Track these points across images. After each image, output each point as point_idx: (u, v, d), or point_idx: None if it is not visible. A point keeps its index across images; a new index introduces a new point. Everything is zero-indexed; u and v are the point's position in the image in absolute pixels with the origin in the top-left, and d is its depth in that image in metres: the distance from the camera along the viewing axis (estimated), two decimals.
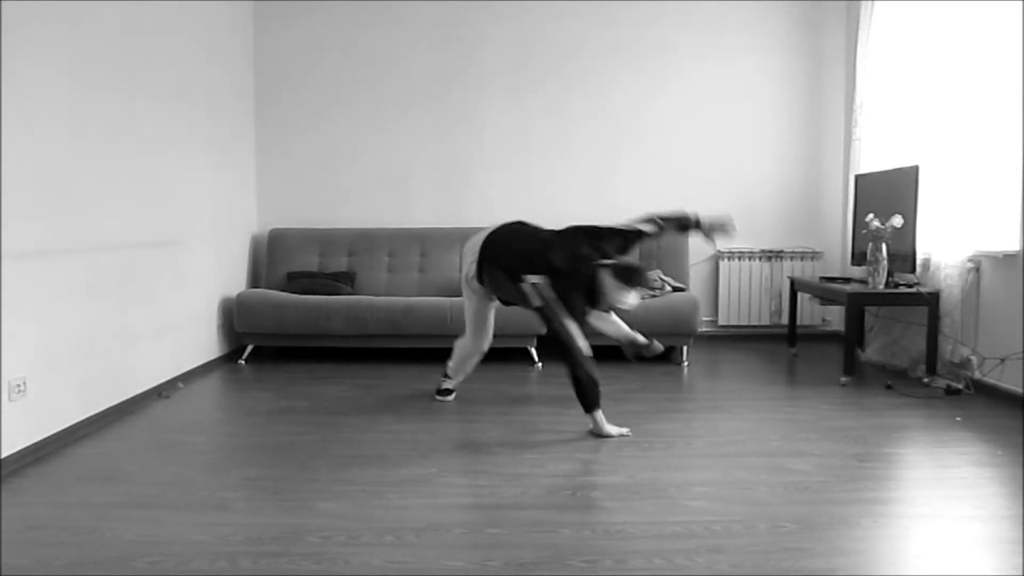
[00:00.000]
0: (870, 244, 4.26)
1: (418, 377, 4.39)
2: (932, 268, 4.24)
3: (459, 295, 5.00)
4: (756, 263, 5.49)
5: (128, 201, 3.69)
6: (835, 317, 5.49)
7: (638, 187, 5.56)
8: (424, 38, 5.50)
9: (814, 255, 5.50)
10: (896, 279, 4.35)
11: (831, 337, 5.47)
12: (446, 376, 3.88)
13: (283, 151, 5.54)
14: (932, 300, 4.08)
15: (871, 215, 4.32)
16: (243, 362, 4.81)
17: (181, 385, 4.15)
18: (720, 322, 5.54)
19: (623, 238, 3.43)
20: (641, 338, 3.84)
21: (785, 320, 5.35)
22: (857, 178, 4.86)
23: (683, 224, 3.54)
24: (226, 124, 4.98)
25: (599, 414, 3.21)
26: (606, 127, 5.53)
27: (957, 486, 2.63)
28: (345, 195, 5.58)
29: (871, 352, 4.77)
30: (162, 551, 2.12)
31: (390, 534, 2.23)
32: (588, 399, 3.19)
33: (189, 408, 3.74)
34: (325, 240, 5.33)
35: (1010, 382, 3.74)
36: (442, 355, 4.96)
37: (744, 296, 5.51)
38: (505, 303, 3.57)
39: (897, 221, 4.12)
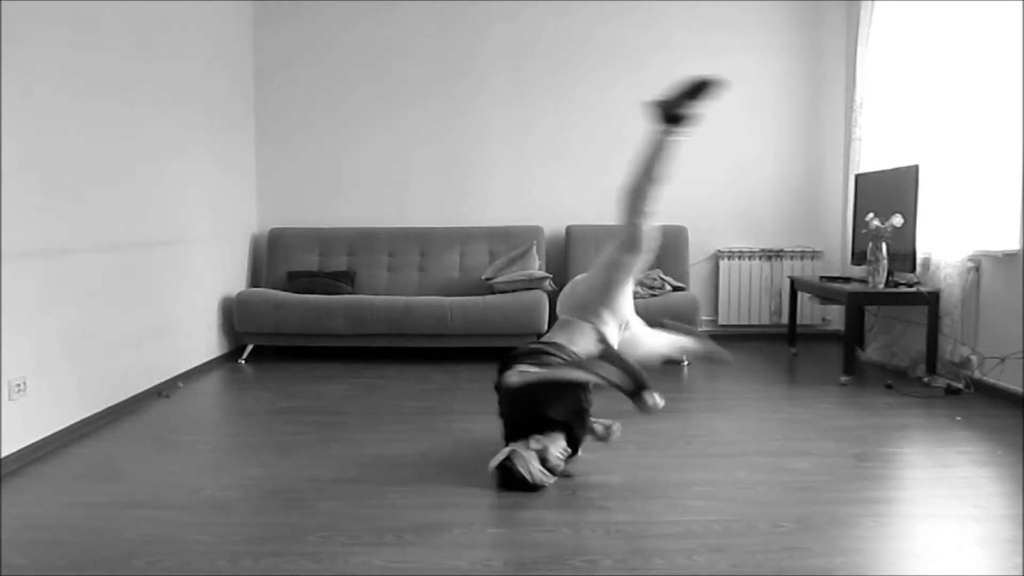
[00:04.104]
0: (870, 243, 4.26)
1: (418, 377, 4.39)
2: (932, 267, 4.24)
3: (458, 294, 4.99)
4: (756, 262, 5.49)
5: (128, 201, 3.69)
6: (835, 316, 5.49)
7: None
8: (424, 37, 5.49)
9: (814, 254, 5.50)
10: (896, 278, 4.35)
11: (831, 337, 5.47)
12: None
13: (283, 150, 5.54)
14: (932, 299, 4.08)
15: (871, 214, 4.32)
16: (243, 362, 4.81)
17: (181, 385, 4.15)
18: (720, 322, 5.54)
19: None
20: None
21: (785, 320, 5.35)
22: (857, 177, 4.86)
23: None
24: (226, 124, 4.98)
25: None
26: (606, 126, 5.53)
27: (957, 485, 2.63)
28: (345, 194, 5.58)
29: (871, 352, 4.77)
30: (162, 551, 2.12)
31: (390, 534, 2.23)
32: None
33: (189, 408, 3.74)
34: (325, 239, 5.32)
35: (1010, 381, 3.74)
36: (442, 354, 4.97)
37: (744, 296, 5.51)
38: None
39: (897, 220, 4.12)
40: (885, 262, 4.21)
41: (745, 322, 5.53)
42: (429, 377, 4.36)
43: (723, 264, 5.50)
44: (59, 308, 3.12)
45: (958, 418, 3.46)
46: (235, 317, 4.77)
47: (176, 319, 4.20)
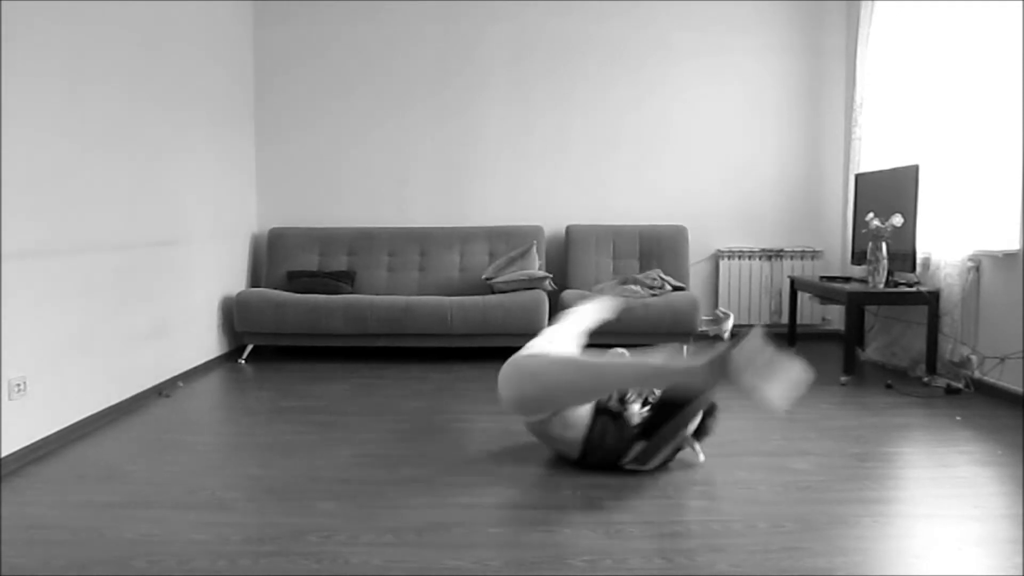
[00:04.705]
0: (870, 243, 4.26)
1: (418, 376, 4.39)
2: (932, 267, 4.24)
3: (458, 294, 5.00)
4: (756, 262, 5.49)
5: (128, 201, 3.69)
6: (835, 316, 5.49)
7: (637, 185, 5.56)
8: (424, 37, 5.49)
9: (814, 254, 5.50)
10: (896, 278, 4.35)
11: (831, 336, 5.47)
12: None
13: (283, 150, 5.54)
14: (932, 299, 4.08)
15: (871, 214, 4.32)
16: (243, 361, 4.81)
17: (181, 384, 4.15)
18: None
19: None
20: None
21: (785, 319, 5.35)
22: (857, 177, 4.86)
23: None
24: (226, 123, 4.98)
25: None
26: (606, 126, 5.53)
27: (957, 485, 2.63)
28: (345, 194, 5.58)
29: (871, 351, 4.77)
30: (162, 550, 2.12)
31: (390, 534, 2.23)
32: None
33: (189, 407, 3.74)
34: (325, 239, 5.33)
35: (1010, 381, 3.74)
36: (442, 354, 4.97)
37: (744, 295, 5.51)
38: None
39: (897, 220, 4.12)
40: (885, 262, 4.22)
41: (745, 322, 5.52)
42: (429, 377, 4.36)
43: (723, 264, 5.50)
44: (59, 308, 3.12)
45: (958, 418, 3.46)
46: (235, 317, 4.77)
47: (176, 319, 4.20)
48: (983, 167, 3.95)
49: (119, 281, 3.59)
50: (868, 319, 4.91)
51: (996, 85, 3.86)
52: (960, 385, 3.96)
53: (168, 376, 4.08)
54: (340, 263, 5.28)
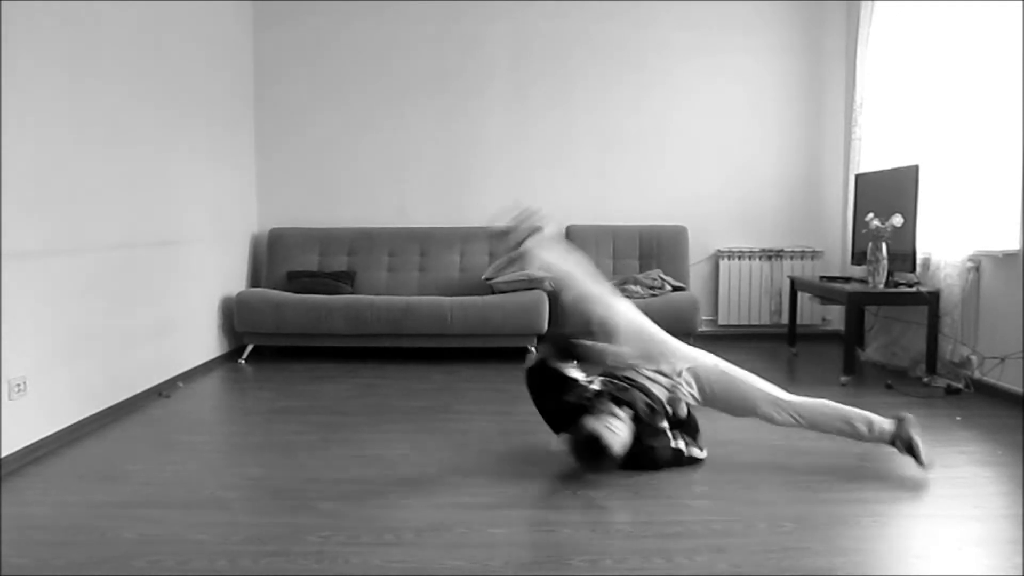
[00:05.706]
0: (870, 243, 4.26)
1: (418, 376, 4.39)
2: (932, 267, 4.23)
3: (458, 294, 5.00)
4: (756, 262, 5.49)
5: (128, 201, 3.69)
6: (835, 316, 5.48)
7: (637, 185, 5.56)
8: (423, 37, 5.49)
9: (814, 254, 5.50)
10: (896, 278, 4.34)
11: (831, 336, 5.47)
12: None
13: (283, 150, 5.53)
14: (932, 299, 4.08)
15: (871, 214, 4.31)
16: (243, 361, 4.81)
17: (181, 384, 4.15)
18: (720, 322, 5.54)
19: None
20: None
21: (785, 320, 5.34)
22: (857, 177, 4.86)
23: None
24: (226, 123, 4.98)
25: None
26: (605, 126, 5.53)
27: (957, 485, 2.63)
28: (345, 194, 5.58)
29: (871, 351, 4.77)
30: (162, 550, 2.12)
31: (390, 534, 2.22)
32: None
33: (189, 407, 3.75)
34: (325, 239, 5.32)
35: (1010, 381, 3.74)
36: (442, 354, 4.97)
37: (744, 295, 5.51)
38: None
39: (897, 220, 4.12)
40: (885, 262, 4.21)
41: (745, 322, 5.53)
42: (429, 377, 4.36)
43: (723, 264, 5.50)
44: (59, 308, 3.12)
45: (958, 418, 3.45)
46: (235, 317, 4.77)
47: (176, 319, 4.20)
48: (983, 167, 3.95)
49: (119, 281, 3.59)
50: (868, 319, 4.91)
51: (996, 85, 3.86)
52: (960, 385, 3.96)
53: (168, 376, 4.08)
54: (340, 263, 5.28)
